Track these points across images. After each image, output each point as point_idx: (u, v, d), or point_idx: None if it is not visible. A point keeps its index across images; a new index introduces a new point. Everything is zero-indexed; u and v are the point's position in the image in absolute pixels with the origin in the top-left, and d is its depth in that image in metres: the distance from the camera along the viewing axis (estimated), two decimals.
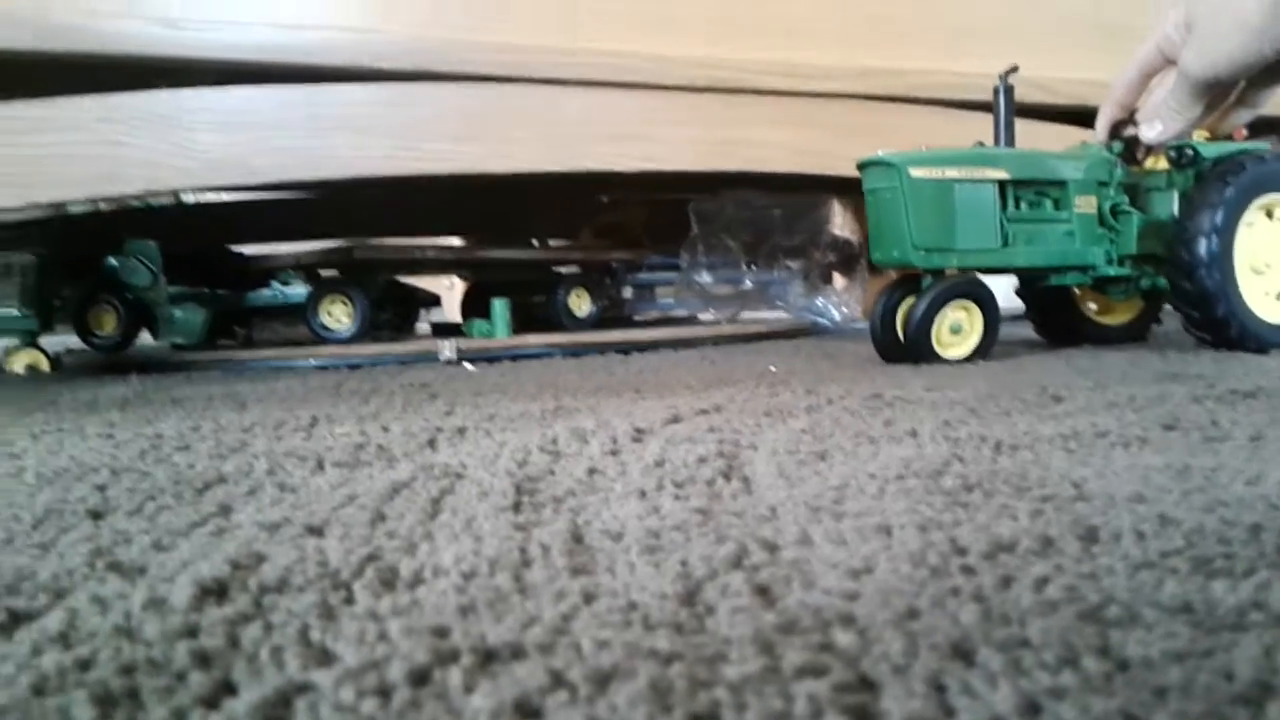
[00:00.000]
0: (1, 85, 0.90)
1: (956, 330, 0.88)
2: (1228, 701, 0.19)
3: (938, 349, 0.86)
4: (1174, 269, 0.89)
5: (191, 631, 0.24)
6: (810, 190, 1.67)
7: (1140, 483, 0.37)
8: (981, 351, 0.89)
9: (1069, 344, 1.03)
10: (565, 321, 1.42)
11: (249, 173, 0.89)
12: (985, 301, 0.88)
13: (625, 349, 1.20)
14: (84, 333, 1.32)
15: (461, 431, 0.55)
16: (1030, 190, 0.92)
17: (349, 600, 0.26)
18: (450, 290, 1.97)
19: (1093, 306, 1.06)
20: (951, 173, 0.87)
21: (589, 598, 0.26)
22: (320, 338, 1.29)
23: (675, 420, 0.57)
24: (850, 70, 1.07)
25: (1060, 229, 0.92)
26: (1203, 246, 0.86)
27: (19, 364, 1.22)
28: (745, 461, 0.44)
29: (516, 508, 0.36)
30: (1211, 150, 0.90)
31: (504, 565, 0.28)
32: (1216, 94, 0.86)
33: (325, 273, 1.43)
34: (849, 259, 1.72)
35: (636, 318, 1.61)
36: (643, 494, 0.38)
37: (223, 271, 1.51)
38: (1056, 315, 1.06)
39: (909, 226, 0.86)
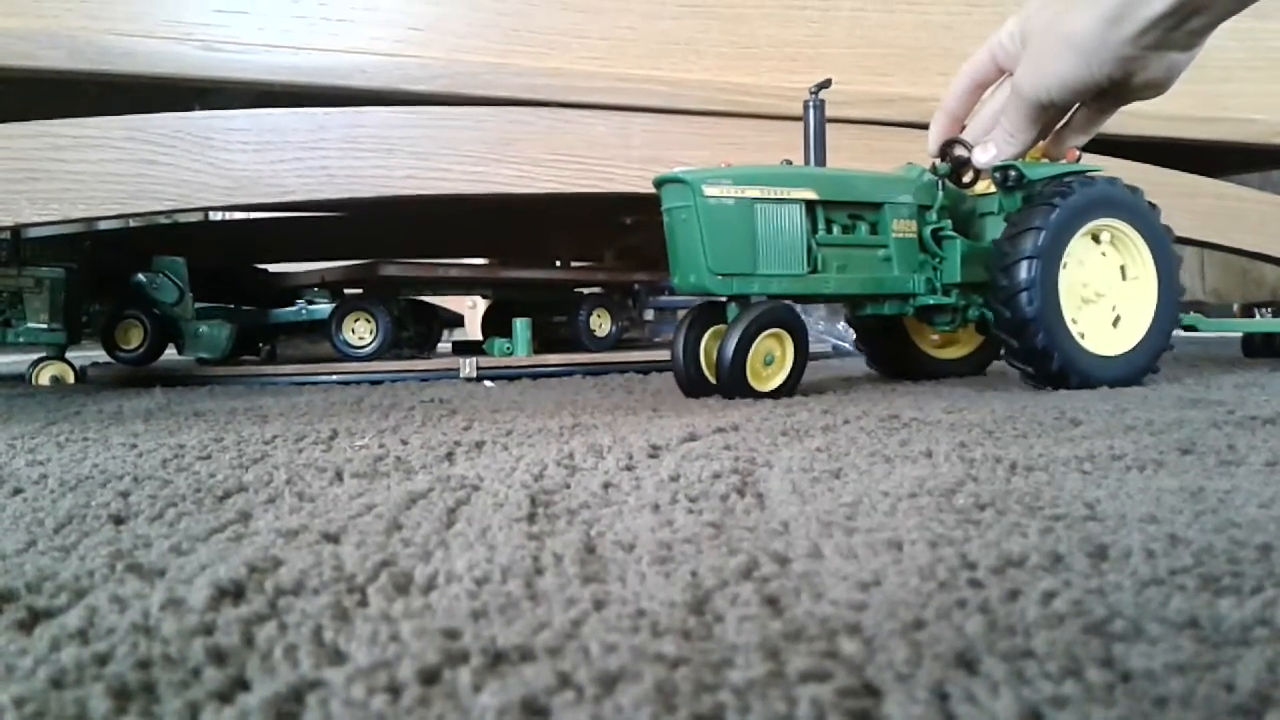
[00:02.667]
0: (39, 104, 0.92)
1: (769, 361, 0.81)
2: (1227, 712, 0.19)
3: (753, 382, 0.80)
4: (994, 295, 0.83)
5: (208, 630, 0.24)
6: None
7: (1153, 504, 0.37)
8: (793, 382, 0.83)
9: (904, 378, 0.99)
10: (586, 341, 1.43)
11: (282, 192, 0.90)
12: (796, 329, 0.82)
13: (645, 369, 1.21)
14: (110, 347, 1.34)
15: (479, 446, 0.56)
16: (843, 213, 0.86)
17: (363, 603, 0.27)
18: (472, 309, 1.98)
19: (935, 338, 1.01)
20: (752, 192, 0.81)
21: (599, 604, 0.26)
22: (343, 354, 1.31)
23: (691, 438, 0.57)
24: (872, 97, 1.07)
25: (876, 254, 0.87)
26: (1023, 272, 0.80)
27: (45, 376, 1.24)
28: (760, 478, 0.44)
29: (531, 519, 0.37)
30: (1038, 172, 0.85)
31: (516, 572, 0.29)
32: (1051, 115, 0.81)
33: (349, 291, 1.45)
34: None
35: (657, 340, 1.62)
36: (656, 507, 0.38)
37: (248, 288, 1.53)
38: (888, 347, 1.01)
39: (704, 250, 0.79)
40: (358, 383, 1.14)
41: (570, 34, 0.99)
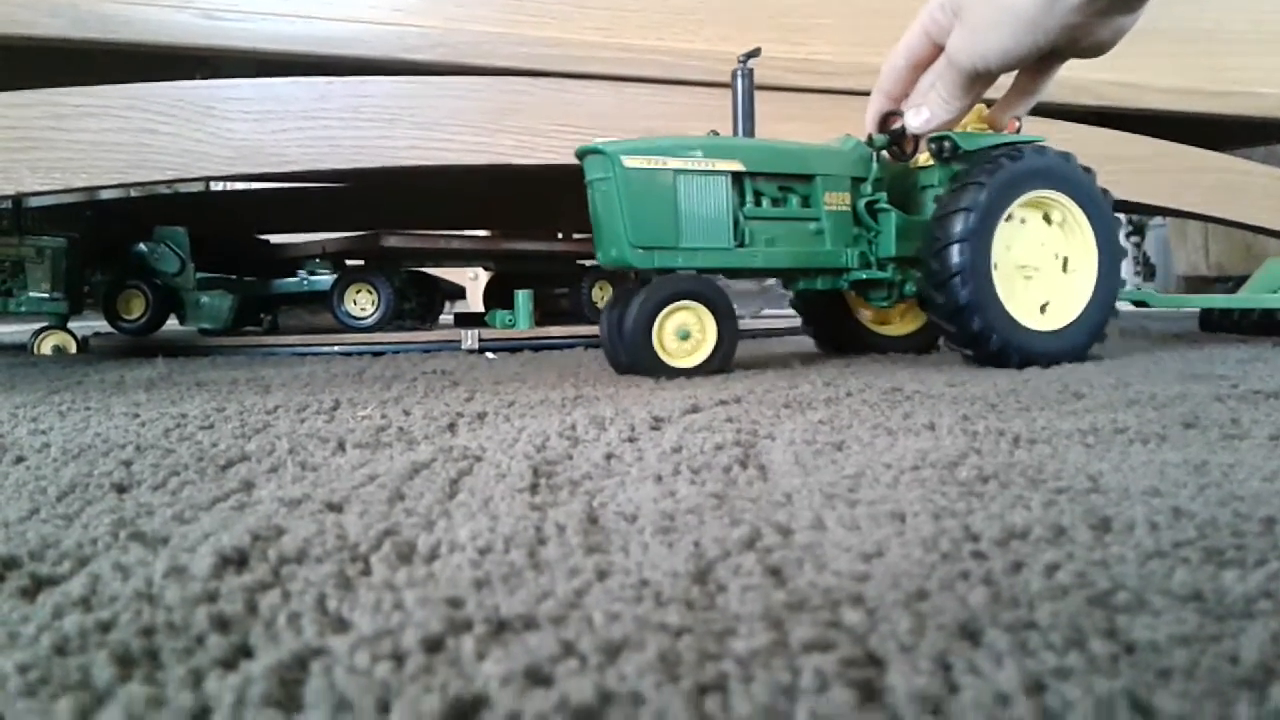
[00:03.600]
0: (42, 73, 0.91)
1: (685, 336, 0.78)
2: (1231, 684, 0.19)
3: (664, 358, 0.77)
4: (926, 279, 0.81)
5: (211, 598, 0.24)
6: None
7: (1156, 477, 0.37)
8: (719, 359, 0.79)
9: (849, 352, 0.98)
10: (588, 314, 1.43)
11: (283, 161, 0.90)
12: (716, 303, 0.78)
13: None
14: (112, 317, 1.34)
15: (481, 417, 0.56)
16: (773, 185, 0.83)
17: (366, 572, 0.27)
18: (474, 281, 1.98)
19: (882, 314, 0.99)
20: (675, 163, 0.78)
21: (602, 574, 0.26)
22: (345, 325, 1.31)
23: (694, 410, 0.57)
24: (865, 67, 1.06)
25: (808, 228, 0.84)
26: (954, 255, 0.78)
27: (47, 345, 1.24)
28: (762, 450, 0.44)
29: (533, 489, 0.37)
30: (972, 143, 0.83)
31: (519, 542, 0.29)
32: (987, 82, 0.78)
33: (351, 262, 1.44)
34: None
35: None
36: (659, 479, 0.38)
37: (250, 259, 1.53)
38: (831, 323, 0.99)
39: (624, 222, 0.76)
40: (359, 354, 1.14)
41: (572, 3, 0.98)
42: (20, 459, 0.45)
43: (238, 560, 0.27)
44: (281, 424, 0.54)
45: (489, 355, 1.10)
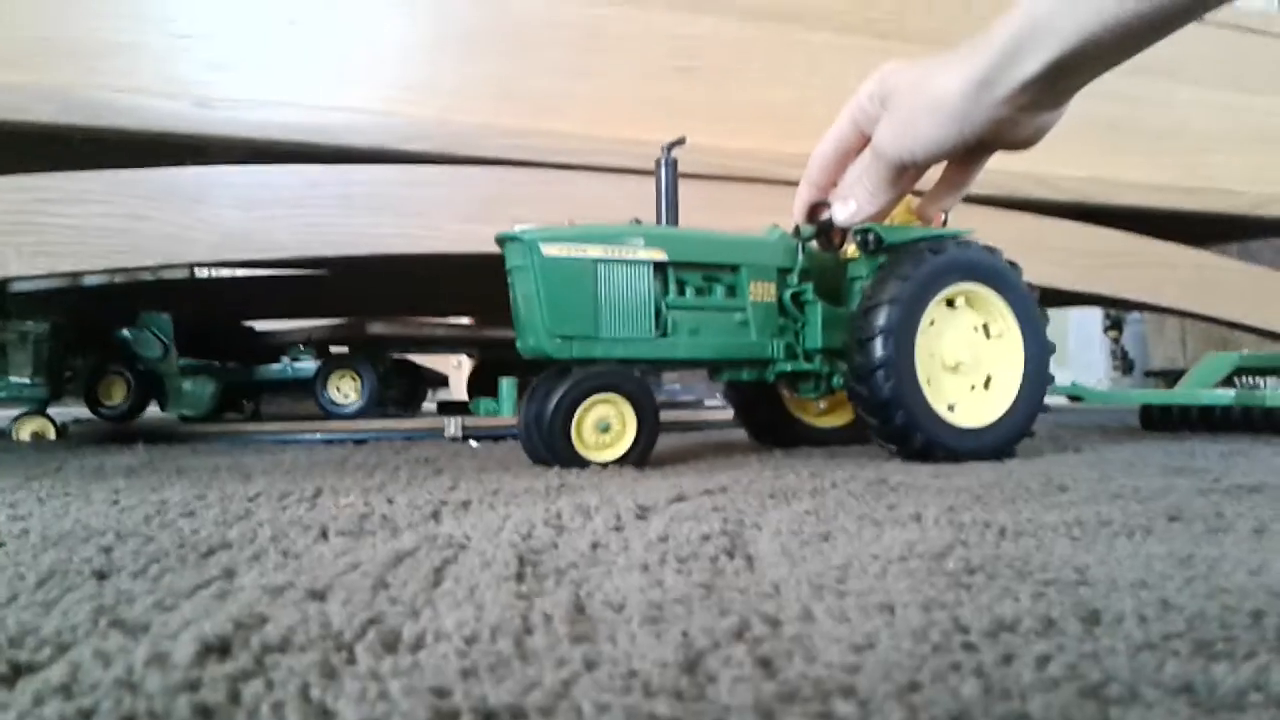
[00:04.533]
0: (30, 157, 0.92)
1: (605, 429, 0.77)
2: None
3: (582, 451, 0.76)
4: (851, 374, 0.80)
5: (193, 686, 0.24)
6: None
7: (1143, 569, 0.37)
8: (639, 452, 0.77)
9: (782, 445, 0.96)
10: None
11: (271, 248, 0.90)
12: (636, 395, 0.77)
13: None
14: (93, 403, 1.33)
15: (466, 505, 0.56)
16: (698, 274, 0.82)
17: (350, 660, 0.26)
18: (458, 369, 1.98)
19: (822, 406, 0.97)
20: (595, 251, 0.77)
21: (590, 664, 0.26)
22: (327, 413, 1.30)
23: (680, 499, 0.57)
24: None
25: (733, 318, 0.83)
26: (877, 349, 0.77)
27: (26, 431, 1.23)
28: (749, 540, 0.44)
29: (519, 578, 0.36)
30: (896, 235, 0.81)
31: (506, 631, 0.29)
32: (914, 175, 0.77)
33: (335, 349, 1.45)
34: None
35: None
36: (645, 568, 0.38)
37: (233, 345, 1.53)
38: (765, 415, 0.97)
39: (542, 311, 0.75)
40: (342, 441, 1.13)
41: (559, 95, 1.00)
42: None
43: (220, 648, 0.27)
44: (263, 511, 0.54)
45: (473, 443, 1.10)
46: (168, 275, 1.77)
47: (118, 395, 1.34)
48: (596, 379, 0.76)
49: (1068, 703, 0.22)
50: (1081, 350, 3.64)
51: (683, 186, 0.87)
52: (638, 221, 0.83)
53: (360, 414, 1.31)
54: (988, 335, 0.84)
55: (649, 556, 0.40)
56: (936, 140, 0.71)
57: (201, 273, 1.89)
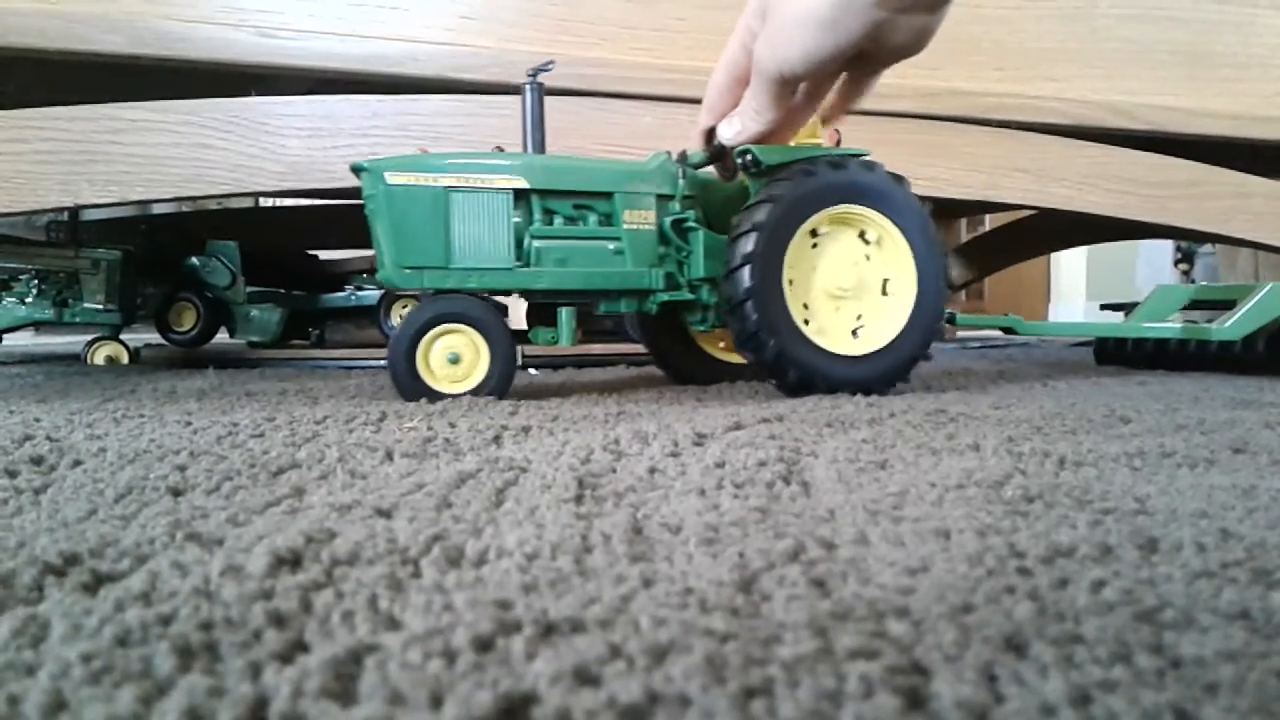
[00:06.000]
0: (98, 87, 0.94)
1: (455, 360, 0.74)
2: (1278, 698, 0.19)
3: (431, 382, 0.74)
4: (722, 304, 0.76)
5: (267, 595, 0.25)
6: None
7: (1204, 500, 0.36)
8: (496, 383, 0.75)
9: (696, 381, 0.91)
10: (631, 332, 1.43)
11: (334, 178, 0.91)
12: (488, 326, 0.75)
13: None
14: (164, 329, 1.36)
15: (526, 430, 0.57)
16: (567, 203, 0.78)
17: (416, 574, 0.27)
18: (517, 299, 1.99)
19: (722, 341, 0.93)
20: (447, 180, 0.74)
21: (647, 582, 0.26)
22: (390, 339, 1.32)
23: (737, 427, 0.57)
24: (921, 90, 1.06)
25: (607, 247, 0.79)
26: (744, 278, 0.73)
27: (100, 356, 1.26)
28: (805, 467, 0.44)
29: (578, 500, 0.37)
30: (775, 157, 0.76)
31: (565, 550, 0.29)
32: (798, 90, 0.73)
33: None
34: None
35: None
36: (702, 492, 0.39)
37: (299, 274, 1.55)
38: (671, 348, 0.92)
39: (390, 241, 0.74)
40: None
41: (619, 24, 0.99)
42: (77, 462, 0.46)
43: (292, 560, 0.28)
44: (330, 434, 0.55)
45: (532, 371, 1.11)
46: (234, 204, 1.79)
47: (188, 321, 1.37)
48: (440, 309, 0.74)
49: (1122, 626, 0.23)
50: (1150, 283, 3.56)
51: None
52: (500, 149, 0.80)
53: None
54: (879, 260, 0.80)
55: (705, 481, 0.40)
56: (811, 50, 0.67)
57: (267, 202, 1.91)
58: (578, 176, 0.78)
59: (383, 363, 1.17)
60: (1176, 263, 3.48)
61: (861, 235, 0.79)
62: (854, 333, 0.79)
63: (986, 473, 0.42)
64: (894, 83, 1.05)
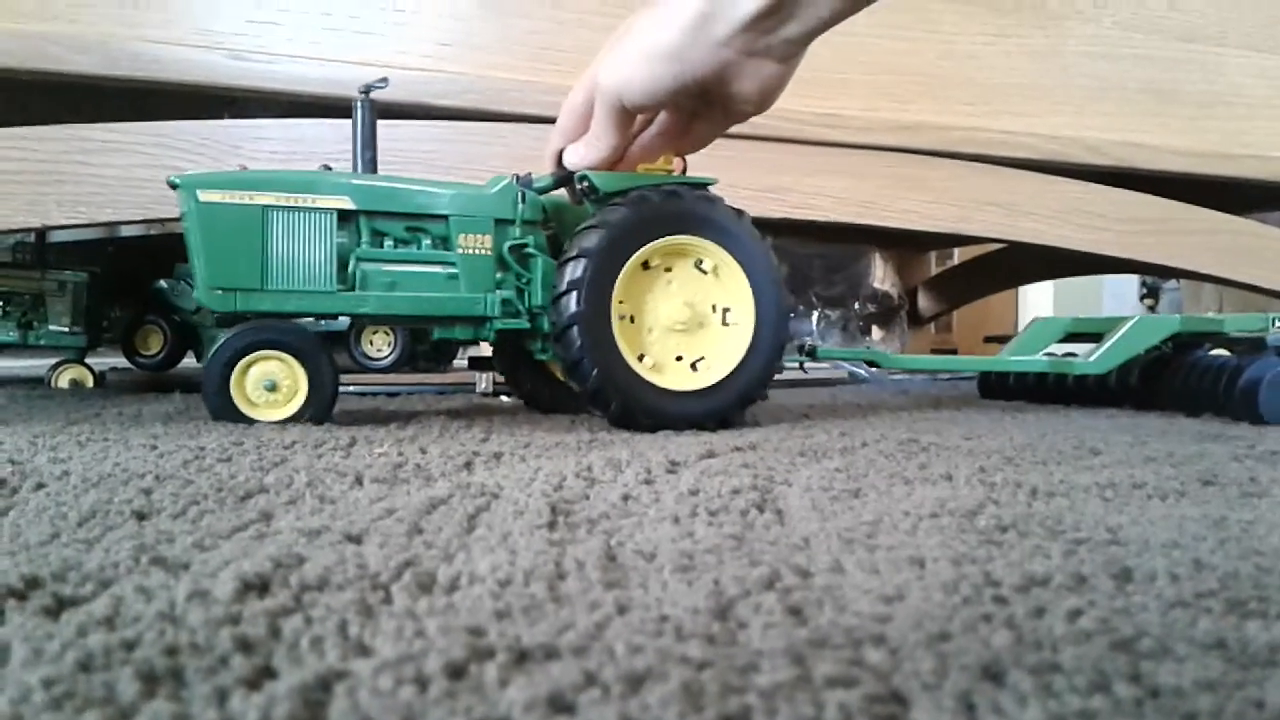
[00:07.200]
0: (69, 108, 0.93)
1: (272, 387, 0.72)
2: None
3: (246, 409, 0.71)
4: (550, 331, 0.74)
5: (234, 620, 0.24)
6: (851, 241, 1.68)
7: (1176, 530, 0.37)
8: (316, 410, 0.73)
9: (547, 410, 0.89)
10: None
11: None
12: (304, 351, 0.72)
13: None
14: (130, 352, 1.34)
15: (498, 456, 0.56)
16: (399, 225, 0.75)
17: (387, 600, 0.27)
18: None
19: None
20: (264, 198, 0.71)
21: (622, 609, 0.26)
22: (360, 366, 1.31)
23: (710, 455, 0.57)
24: (893, 124, 1.07)
25: (439, 272, 0.75)
26: (569, 305, 0.71)
27: (65, 379, 1.25)
28: (779, 495, 0.44)
29: (551, 526, 0.37)
30: (610, 184, 0.73)
31: (539, 576, 0.29)
32: (640, 121, 0.72)
33: None
34: (888, 311, 1.73)
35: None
36: (676, 519, 0.38)
37: None
38: (524, 376, 0.90)
39: (203, 261, 0.70)
40: (375, 394, 1.14)
41: (594, 52, 0.99)
42: (40, 485, 0.45)
43: (259, 586, 0.27)
44: (299, 458, 0.54)
45: (504, 399, 1.10)
46: None
47: (155, 345, 1.35)
48: (252, 336, 0.71)
49: (1100, 655, 0.22)
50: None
51: (716, 144, 0.86)
52: (327, 168, 0.78)
53: (393, 368, 1.32)
54: (718, 292, 0.77)
55: (680, 509, 0.40)
56: (652, 81, 0.65)
57: None
58: (408, 198, 0.75)
59: (354, 389, 1.17)
60: (1142, 298, 3.52)
61: (698, 265, 0.76)
62: (693, 366, 0.76)
63: (960, 502, 0.42)
64: (867, 115, 1.06)
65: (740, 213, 0.77)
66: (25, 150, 0.86)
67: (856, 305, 1.68)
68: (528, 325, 0.77)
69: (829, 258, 1.68)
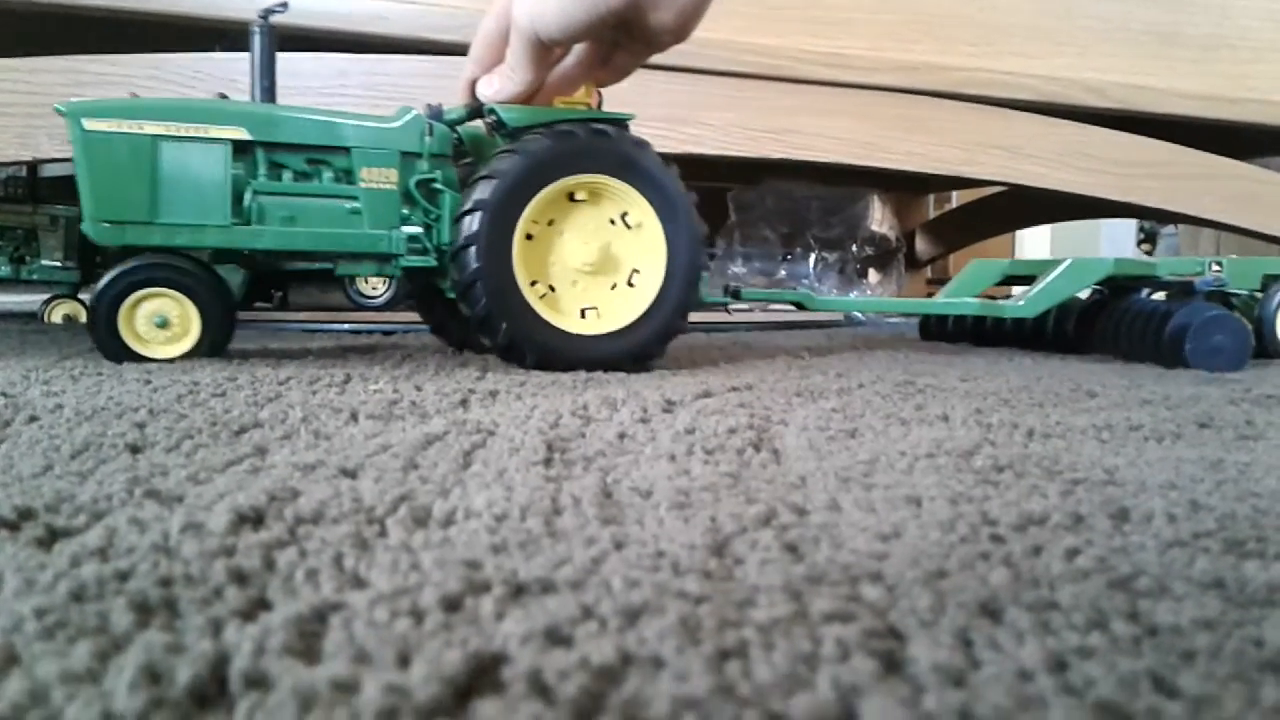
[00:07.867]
0: (63, 41, 0.91)
1: (163, 324, 0.69)
2: (1256, 667, 0.19)
3: (137, 346, 0.69)
4: (453, 286, 0.71)
5: (228, 552, 0.24)
6: (850, 184, 1.67)
7: (1172, 472, 0.37)
8: (210, 346, 0.71)
9: (474, 349, 0.85)
10: None
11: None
12: (194, 289, 0.70)
13: None
14: None
15: (494, 394, 0.56)
16: (298, 157, 0.72)
17: (382, 533, 0.27)
18: None
19: None
20: (153, 128, 0.68)
21: (619, 544, 0.26)
22: (356, 304, 1.31)
23: (706, 395, 0.57)
24: (897, 64, 1.06)
25: (341, 206, 0.72)
26: (470, 261, 0.68)
27: (58, 314, 1.24)
28: (775, 435, 0.44)
29: (547, 463, 0.37)
30: (520, 118, 0.70)
31: (535, 512, 0.29)
32: (557, 54, 0.70)
33: None
34: (885, 254, 1.72)
35: None
36: (672, 458, 0.38)
37: None
38: (446, 314, 0.86)
39: (89, 192, 0.67)
40: (370, 332, 1.14)
41: None
42: (33, 418, 0.45)
43: (254, 519, 0.27)
44: (294, 394, 0.54)
45: None
46: None
47: None
48: (141, 273, 0.69)
49: (1097, 594, 0.22)
50: None
51: (716, 82, 0.85)
52: (223, 96, 0.75)
53: (388, 306, 1.32)
54: (627, 234, 0.73)
55: (676, 447, 0.40)
56: (567, 14, 0.64)
57: None
58: (307, 129, 0.72)
59: (348, 326, 1.16)
60: (1139, 243, 3.51)
61: (623, 218, 0.73)
62: (582, 313, 0.73)
63: (956, 442, 0.42)
64: (872, 55, 1.05)
65: (641, 143, 0.73)
66: (15, 82, 0.84)
67: (854, 248, 1.67)
68: (435, 263, 0.74)
69: (827, 200, 1.67)
